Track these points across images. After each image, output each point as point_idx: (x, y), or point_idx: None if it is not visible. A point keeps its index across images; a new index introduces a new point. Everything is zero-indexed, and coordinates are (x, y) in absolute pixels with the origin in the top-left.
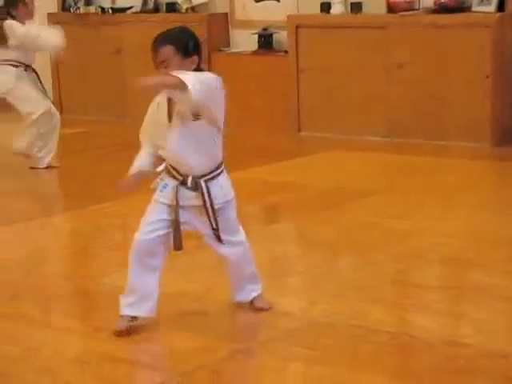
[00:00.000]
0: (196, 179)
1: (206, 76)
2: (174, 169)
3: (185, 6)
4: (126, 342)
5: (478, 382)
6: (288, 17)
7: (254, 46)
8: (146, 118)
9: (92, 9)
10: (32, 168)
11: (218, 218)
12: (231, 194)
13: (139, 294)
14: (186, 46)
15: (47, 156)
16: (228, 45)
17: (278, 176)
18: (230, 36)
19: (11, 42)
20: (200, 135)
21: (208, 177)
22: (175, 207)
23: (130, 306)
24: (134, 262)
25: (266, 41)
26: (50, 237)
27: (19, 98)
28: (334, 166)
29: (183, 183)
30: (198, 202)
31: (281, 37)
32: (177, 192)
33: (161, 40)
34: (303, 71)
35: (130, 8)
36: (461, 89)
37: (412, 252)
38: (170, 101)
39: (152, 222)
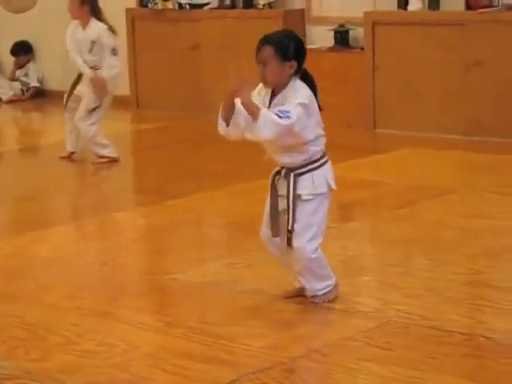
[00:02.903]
0: (288, 171)
1: (287, 109)
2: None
3: (262, 2)
4: (199, 338)
5: None
6: (365, 13)
7: (331, 43)
8: None
9: (169, 4)
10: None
11: (297, 215)
12: (324, 188)
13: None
14: (286, 49)
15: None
16: (304, 41)
17: (353, 173)
18: (306, 32)
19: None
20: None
21: (300, 170)
22: (273, 194)
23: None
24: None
25: (342, 37)
26: (125, 232)
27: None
28: (409, 164)
29: (278, 172)
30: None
31: (357, 33)
32: (275, 181)
33: (264, 40)
34: (379, 68)
35: (208, 4)
36: None
37: (487, 252)
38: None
39: (266, 210)
